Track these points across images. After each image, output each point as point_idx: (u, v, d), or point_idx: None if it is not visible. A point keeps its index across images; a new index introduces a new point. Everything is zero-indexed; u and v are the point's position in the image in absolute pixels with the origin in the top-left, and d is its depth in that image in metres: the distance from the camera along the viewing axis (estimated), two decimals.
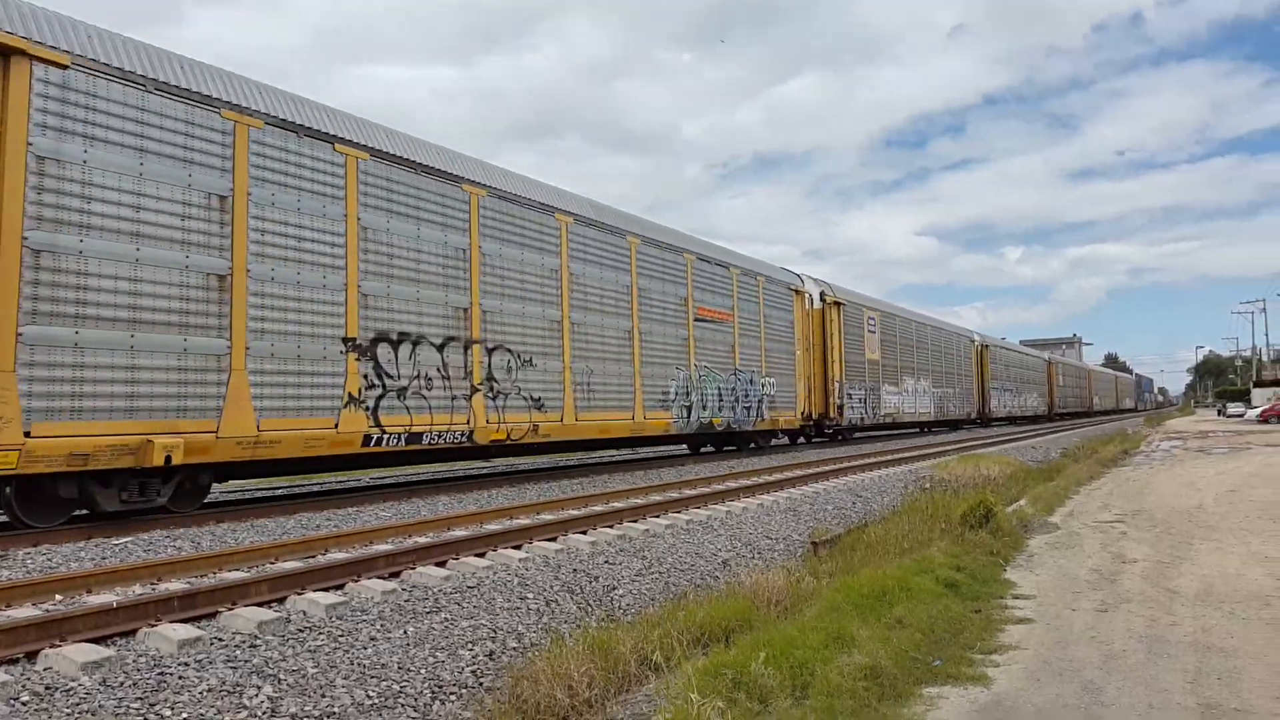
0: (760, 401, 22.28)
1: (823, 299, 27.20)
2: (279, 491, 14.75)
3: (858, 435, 31.71)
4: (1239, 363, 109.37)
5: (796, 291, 25.46)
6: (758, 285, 23.04)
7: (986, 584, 8.03)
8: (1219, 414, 79.79)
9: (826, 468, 17.42)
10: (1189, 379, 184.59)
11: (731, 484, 14.03)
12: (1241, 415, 66.44)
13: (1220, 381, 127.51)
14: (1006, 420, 50.61)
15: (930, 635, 6.25)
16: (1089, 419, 70.01)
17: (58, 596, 6.16)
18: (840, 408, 27.07)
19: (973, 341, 44.80)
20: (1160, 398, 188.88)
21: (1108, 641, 6.20)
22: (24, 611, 5.71)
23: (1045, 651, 5.97)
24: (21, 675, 4.66)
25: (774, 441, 25.76)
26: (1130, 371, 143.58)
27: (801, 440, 28.05)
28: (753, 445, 23.36)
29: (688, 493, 12.57)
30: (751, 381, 21.92)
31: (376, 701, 4.88)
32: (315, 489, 15.11)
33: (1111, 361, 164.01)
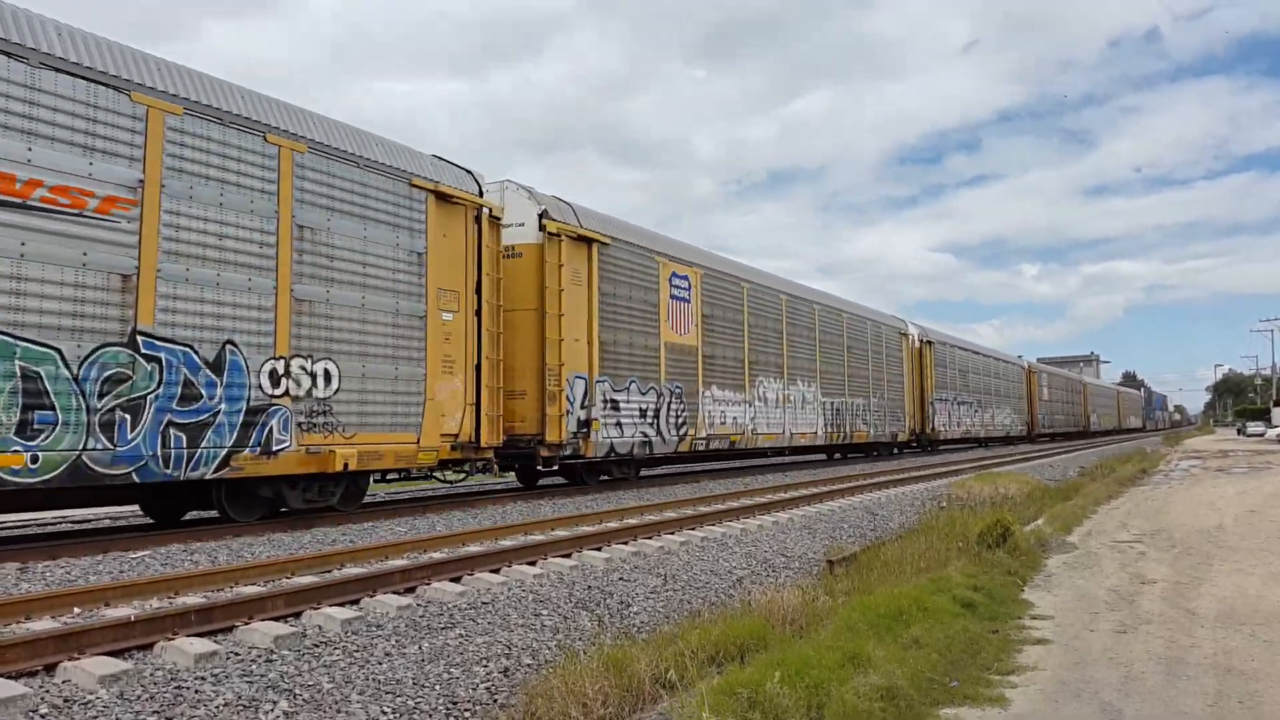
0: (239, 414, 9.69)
1: (543, 225, 14.46)
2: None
3: (649, 475, 19.52)
4: (1259, 381, 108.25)
5: (441, 195, 12.39)
6: (230, 151, 9.71)
7: (1004, 604, 7.97)
8: (1239, 433, 78.98)
9: (843, 485, 17.33)
10: (1208, 398, 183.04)
11: (746, 501, 14.00)
12: (1262, 434, 65.71)
13: (1240, 400, 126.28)
14: (973, 443, 40.21)
15: (947, 656, 6.21)
16: (1085, 441, 59.26)
17: (76, 609, 6.21)
18: (585, 424, 14.89)
19: (904, 335, 32.25)
20: (1177, 416, 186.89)
21: (1126, 663, 6.14)
22: (43, 624, 5.76)
23: (1063, 673, 5.92)
24: (40, 688, 4.69)
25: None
26: (1140, 387, 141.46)
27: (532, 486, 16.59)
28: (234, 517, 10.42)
29: (703, 509, 12.54)
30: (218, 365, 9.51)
31: (391, 718, 4.89)
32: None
33: (1129, 379, 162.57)
